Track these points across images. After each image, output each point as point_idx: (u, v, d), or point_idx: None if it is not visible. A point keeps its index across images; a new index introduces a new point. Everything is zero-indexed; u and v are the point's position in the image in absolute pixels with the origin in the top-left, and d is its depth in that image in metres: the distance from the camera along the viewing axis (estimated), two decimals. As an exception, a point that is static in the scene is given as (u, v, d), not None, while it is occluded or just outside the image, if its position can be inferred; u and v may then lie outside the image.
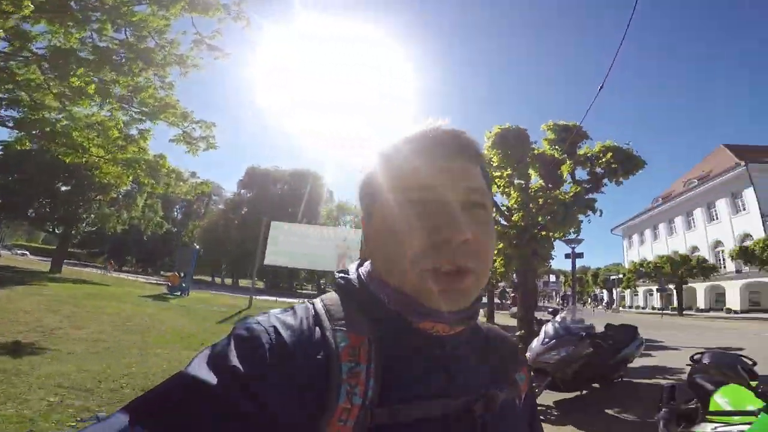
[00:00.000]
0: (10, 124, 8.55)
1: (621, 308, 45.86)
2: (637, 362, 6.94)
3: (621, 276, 42.67)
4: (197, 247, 22.78)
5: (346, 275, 0.57)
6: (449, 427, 0.47)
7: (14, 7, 5.65)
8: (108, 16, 7.03)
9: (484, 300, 14.40)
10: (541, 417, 2.78)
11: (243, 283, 48.67)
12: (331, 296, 0.55)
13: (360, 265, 0.59)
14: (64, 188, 25.25)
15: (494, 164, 9.72)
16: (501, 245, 9.52)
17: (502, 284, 28.62)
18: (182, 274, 20.83)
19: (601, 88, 6.33)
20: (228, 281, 54.93)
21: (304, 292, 52.17)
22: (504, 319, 21.08)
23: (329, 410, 0.41)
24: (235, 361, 0.42)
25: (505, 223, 9.94)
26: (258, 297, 23.39)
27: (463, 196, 0.50)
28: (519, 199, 9.72)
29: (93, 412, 3.47)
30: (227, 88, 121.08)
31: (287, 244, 19.92)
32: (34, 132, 8.55)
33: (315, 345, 0.46)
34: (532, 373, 0.68)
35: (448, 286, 0.47)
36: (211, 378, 0.41)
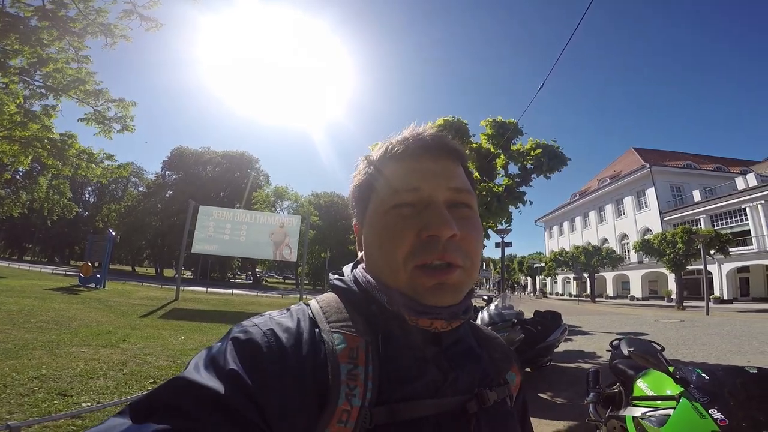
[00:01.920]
0: None
1: (544, 295, 49.71)
2: (561, 347, 7.46)
3: (543, 264, 46.15)
4: (113, 233, 20.65)
5: (342, 276, 0.58)
6: (444, 426, 0.48)
7: None
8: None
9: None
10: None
11: (169, 273, 45.31)
12: (327, 297, 0.56)
13: (355, 266, 0.60)
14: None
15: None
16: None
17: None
18: (96, 264, 18.92)
19: (540, 87, 6.65)
20: (151, 271, 50.87)
21: (237, 282, 49.83)
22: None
23: (329, 412, 0.42)
24: (233, 364, 0.42)
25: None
26: (186, 288, 21.91)
27: (448, 195, 0.52)
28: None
29: (4, 420, 3.07)
30: (160, 62, 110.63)
31: (218, 231, 18.34)
32: None
33: (313, 348, 0.46)
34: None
35: (438, 279, 0.48)
36: (210, 382, 0.40)
